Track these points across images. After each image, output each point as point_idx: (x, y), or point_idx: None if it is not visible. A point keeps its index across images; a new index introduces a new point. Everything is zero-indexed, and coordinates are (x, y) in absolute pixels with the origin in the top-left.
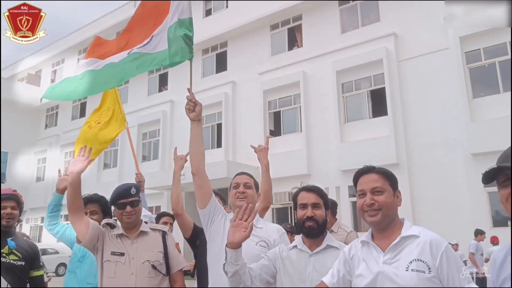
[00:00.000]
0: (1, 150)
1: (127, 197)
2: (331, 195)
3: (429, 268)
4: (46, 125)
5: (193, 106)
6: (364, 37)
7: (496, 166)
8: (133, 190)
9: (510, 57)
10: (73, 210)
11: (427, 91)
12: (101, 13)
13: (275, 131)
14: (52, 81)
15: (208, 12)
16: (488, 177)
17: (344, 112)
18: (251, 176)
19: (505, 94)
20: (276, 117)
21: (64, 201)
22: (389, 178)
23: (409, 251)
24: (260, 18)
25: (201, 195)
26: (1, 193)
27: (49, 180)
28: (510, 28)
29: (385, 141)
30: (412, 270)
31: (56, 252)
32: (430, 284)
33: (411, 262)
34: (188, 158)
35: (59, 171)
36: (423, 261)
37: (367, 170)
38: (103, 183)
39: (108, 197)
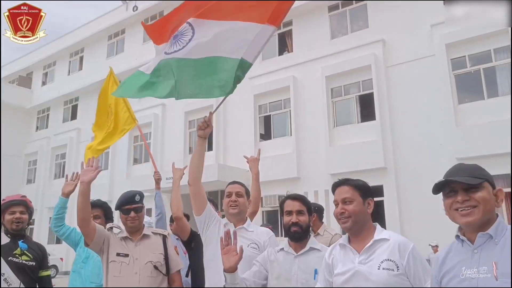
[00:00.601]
0: None
1: (132, 203)
2: (320, 198)
3: (397, 267)
4: (37, 127)
5: (205, 127)
6: (353, 43)
7: (443, 179)
8: (137, 197)
9: (494, 64)
10: (82, 216)
11: (414, 96)
12: (93, 16)
13: (265, 135)
14: (43, 83)
15: None
16: (437, 189)
17: (333, 117)
18: (242, 185)
19: (489, 100)
20: (267, 121)
21: (69, 204)
22: (359, 189)
23: (380, 252)
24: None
25: (197, 203)
26: (10, 199)
27: (40, 182)
28: (492, 37)
29: (373, 145)
30: (383, 268)
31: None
32: (398, 280)
33: (382, 261)
34: (185, 170)
35: (66, 176)
36: (392, 261)
37: (340, 183)
38: (94, 185)
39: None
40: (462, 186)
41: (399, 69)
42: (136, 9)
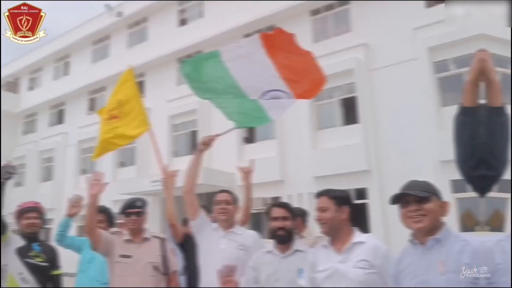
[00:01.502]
0: None
1: (133, 208)
2: (304, 201)
3: (372, 266)
4: (25, 132)
5: (207, 144)
6: (336, 47)
7: (399, 192)
8: (138, 203)
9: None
10: (90, 225)
11: (397, 99)
12: (76, 21)
13: (249, 138)
14: (30, 88)
15: (182, 22)
16: (394, 200)
17: (317, 120)
18: (230, 193)
19: None
20: None
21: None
22: (334, 198)
23: (357, 253)
24: (234, 28)
25: (192, 210)
26: (25, 206)
27: (28, 185)
28: (475, 40)
29: (357, 148)
30: (359, 267)
31: None
32: (373, 277)
33: (358, 261)
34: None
35: (69, 199)
36: (367, 261)
37: (318, 194)
38: (80, 189)
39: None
40: (414, 198)
41: (382, 72)
42: (121, 15)
